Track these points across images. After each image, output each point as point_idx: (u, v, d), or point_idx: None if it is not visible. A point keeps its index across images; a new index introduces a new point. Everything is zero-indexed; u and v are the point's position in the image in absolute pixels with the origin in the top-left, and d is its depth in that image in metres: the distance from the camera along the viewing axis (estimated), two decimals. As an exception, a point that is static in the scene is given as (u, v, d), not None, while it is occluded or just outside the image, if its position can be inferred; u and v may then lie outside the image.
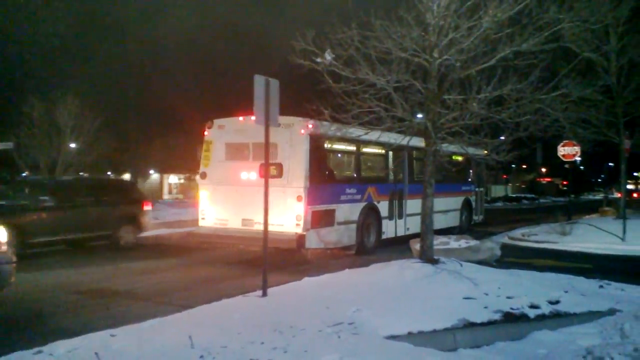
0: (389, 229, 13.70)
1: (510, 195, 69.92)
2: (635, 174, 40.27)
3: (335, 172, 12.25)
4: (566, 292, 7.72)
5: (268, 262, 7.21)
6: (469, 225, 18.66)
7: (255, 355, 4.69)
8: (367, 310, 6.29)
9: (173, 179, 56.45)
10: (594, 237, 16.12)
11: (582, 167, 77.44)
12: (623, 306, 7.10)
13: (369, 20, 8.06)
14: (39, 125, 25.32)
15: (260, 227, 9.31)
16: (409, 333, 5.80)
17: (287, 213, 10.74)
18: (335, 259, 11.56)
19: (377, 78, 8.13)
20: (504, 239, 16.93)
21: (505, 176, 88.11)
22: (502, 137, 9.17)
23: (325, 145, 11.59)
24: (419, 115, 8.97)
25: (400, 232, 14.11)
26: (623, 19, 14.90)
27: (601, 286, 8.44)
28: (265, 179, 7.26)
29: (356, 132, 9.62)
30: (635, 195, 51.08)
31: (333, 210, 11.48)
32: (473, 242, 10.88)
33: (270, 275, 7.29)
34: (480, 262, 9.76)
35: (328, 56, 8.02)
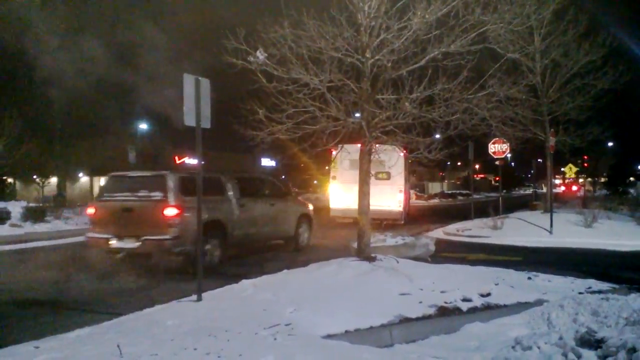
0: None
1: (446, 191, 71.81)
2: (562, 169, 42.07)
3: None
4: (497, 284, 7.99)
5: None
6: None
7: (188, 362, 4.58)
8: (304, 311, 6.28)
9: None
10: (524, 230, 16.85)
11: (512, 164, 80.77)
12: (550, 296, 7.38)
13: (301, 20, 8.03)
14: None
15: (374, 208, 14.88)
16: (346, 331, 5.84)
17: (393, 199, 19.13)
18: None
19: (310, 78, 8.11)
20: (439, 234, 17.38)
21: (441, 173, 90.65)
22: (438, 136, 9.37)
23: (408, 162, 19.06)
24: (357, 115, 9.04)
25: None
26: (545, 21, 15.57)
27: (529, 278, 8.77)
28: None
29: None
30: (575, 188, 51.43)
31: (408, 199, 20.03)
32: (409, 239, 11.09)
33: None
34: (415, 258, 9.96)
35: (260, 55, 7.93)
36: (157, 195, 9.85)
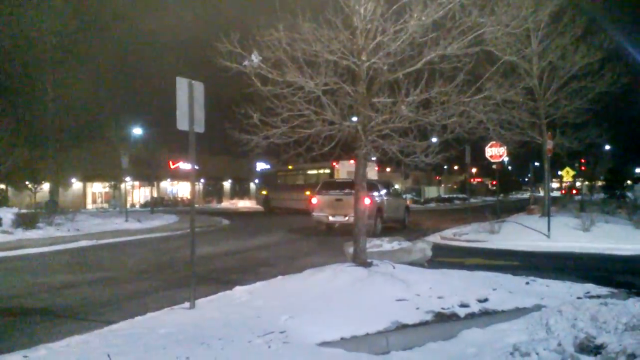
0: None
1: (443, 196, 71.83)
2: (559, 172, 41.95)
3: None
4: (494, 289, 7.89)
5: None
6: None
7: (180, 371, 4.47)
8: (299, 318, 6.18)
9: (97, 187, 54.50)
10: (521, 235, 16.75)
11: (509, 167, 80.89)
12: (548, 302, 7.29)
13: (296, 22, 7.94)
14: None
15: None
16: (342, 338, 5.74)
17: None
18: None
19: (305, 81, 8.03)
20: (436, 238, 17.29)
21: (437, 177, 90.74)
22: (434, 139, 9.28)
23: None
24: (353, 119, 8.95)
25: None
26: (543, 23, 15.53)
27: (527, 283, 8.68)
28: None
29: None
30: (574, 191, 50.95)
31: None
32: (405, 244, 10.96)
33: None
34: (412, 263, 9.84)
35: (255, 58, 7.84)
36: None
